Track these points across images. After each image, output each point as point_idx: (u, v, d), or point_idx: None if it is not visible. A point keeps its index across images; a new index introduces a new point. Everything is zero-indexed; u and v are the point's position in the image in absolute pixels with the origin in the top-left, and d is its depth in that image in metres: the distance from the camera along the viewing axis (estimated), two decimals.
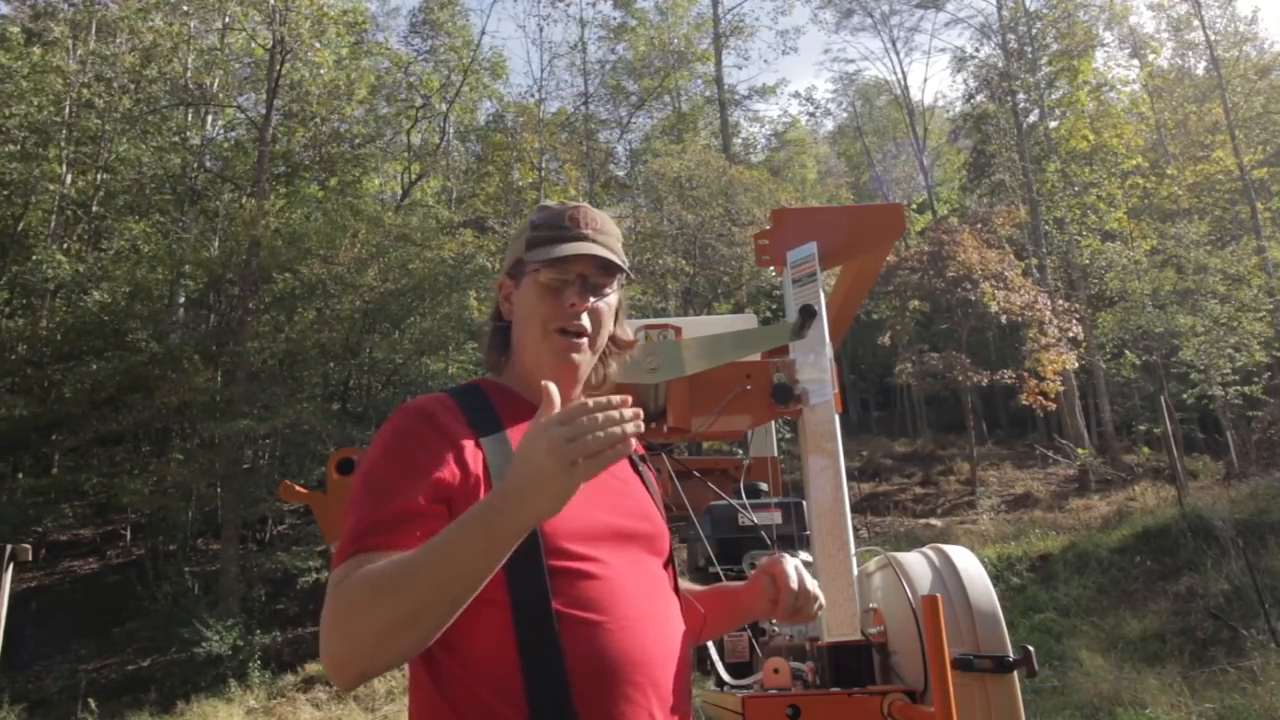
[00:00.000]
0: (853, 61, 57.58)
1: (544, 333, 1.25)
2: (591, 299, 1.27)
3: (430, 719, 1.09)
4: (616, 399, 0.96)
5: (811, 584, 1.33)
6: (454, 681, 1.07)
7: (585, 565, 1.11)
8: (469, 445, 1.14)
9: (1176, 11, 27.30)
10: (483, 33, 27.57)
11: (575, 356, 1.26)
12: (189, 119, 22.35)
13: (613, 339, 1.35)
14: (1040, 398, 17.01)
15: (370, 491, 1.09)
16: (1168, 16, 27.53)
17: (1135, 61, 26.75)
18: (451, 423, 1.16)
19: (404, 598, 0.95)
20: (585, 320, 1.26)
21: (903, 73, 47.85)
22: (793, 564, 1.32)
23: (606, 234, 1.30)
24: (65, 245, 19.37)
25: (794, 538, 2.18)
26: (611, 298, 1.31)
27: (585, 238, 1.27)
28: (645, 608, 1.15)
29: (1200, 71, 27.82)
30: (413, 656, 1.02)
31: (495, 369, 1.35)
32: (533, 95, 26.03)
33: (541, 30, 35.67)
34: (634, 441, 1.44)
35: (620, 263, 1.29)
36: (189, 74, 21.03)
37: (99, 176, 20.38)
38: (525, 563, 1.07)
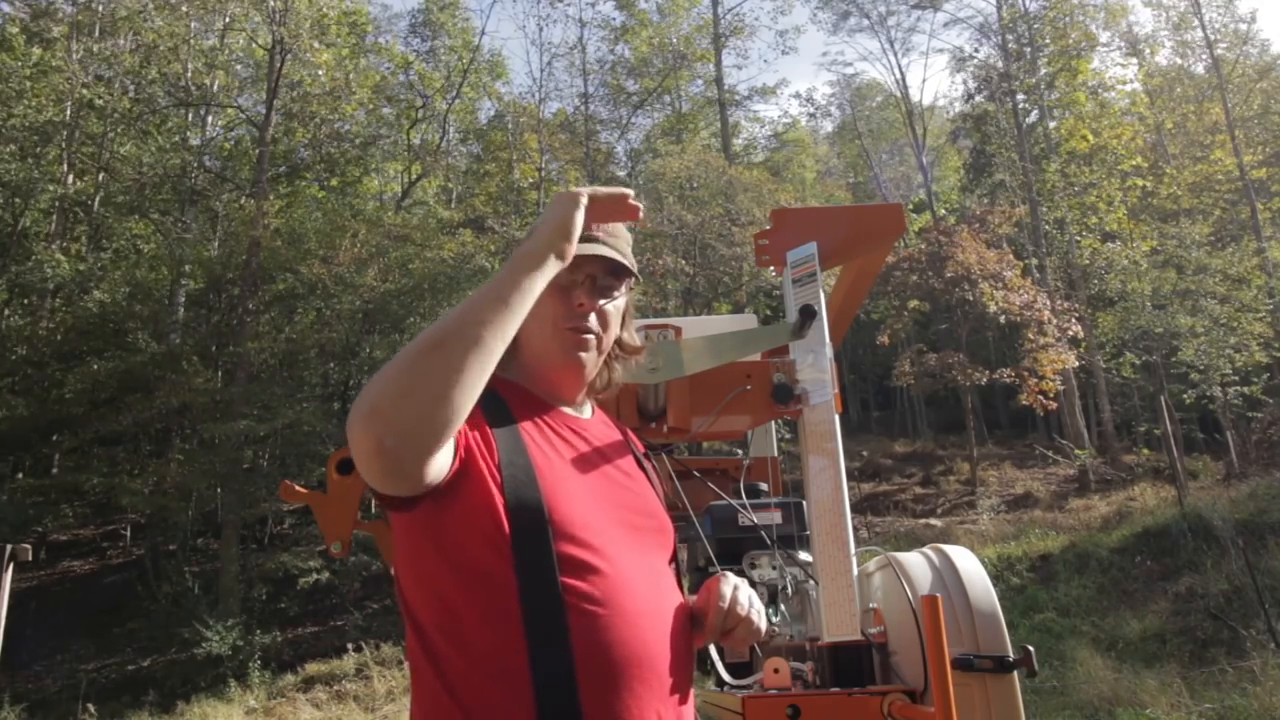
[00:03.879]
0: (850, 64, 57.61)
1: (553, 331, 1.26)
2: (600, 300, 1.28)
3: (435, 714, 1.09)
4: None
5: (748, 608, 1.24)
6: (459, 675, 1.07)
7: (592, 557, 1.11)
8: (483, 430, 1.15)
9: (1176, 10, 27.29)
10: (482, 33, 27.55)
11: (582, 355, 1.27)
12: (189, 119, 22.35)
13: (619, 343, 1.36)
14: (1040, 398, 17.01)
15: None
16: (1167, 15, 27.52)
17: (1134, 60, 26.75)
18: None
19: (435, 328, 1.02)
20: (593, 321, 1.27)
21: (901, 73, 47.88)
22: (732, 584, 1.25)
23: (616, 237, 1.32)
24: (65, 245, 19.37)
25: (794, 538, 2.18)
26: (619, 301, 1.32)
27: (595, 239, 1.28)
28: (650, 602, 1.15)
29: (1200, 70, 27.80)
30: (436, 416, 0.99)
31: (502, 365, 1.36)
32: (533, 95, 26.07)
33: (541, 31, 35.78)
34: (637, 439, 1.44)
35: (629, 266, 1.30)
36: (189, 74, 21.03)
37: (99, 176, 20.39)
38: (534, 547, 1.08)
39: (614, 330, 1.32)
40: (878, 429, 27.57)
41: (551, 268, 1.12)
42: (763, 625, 1.25)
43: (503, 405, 1.22)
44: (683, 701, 1.16)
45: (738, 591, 1.24)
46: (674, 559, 1.32)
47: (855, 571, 1.90)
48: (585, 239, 1.27)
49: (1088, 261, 21.09)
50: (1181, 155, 24.77)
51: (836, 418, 2.05)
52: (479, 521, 1.09)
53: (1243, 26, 27.19)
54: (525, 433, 1.19)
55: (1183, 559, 11.07)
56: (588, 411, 1.35)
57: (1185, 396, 17.95)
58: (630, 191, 1.22)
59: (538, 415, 1.24)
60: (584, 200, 1.16)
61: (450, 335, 1.01)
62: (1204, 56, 26.74)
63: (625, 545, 1.17)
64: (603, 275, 1.29)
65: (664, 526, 1.29)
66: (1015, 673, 1.75)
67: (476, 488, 1.10)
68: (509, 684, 1.04)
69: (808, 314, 2.02)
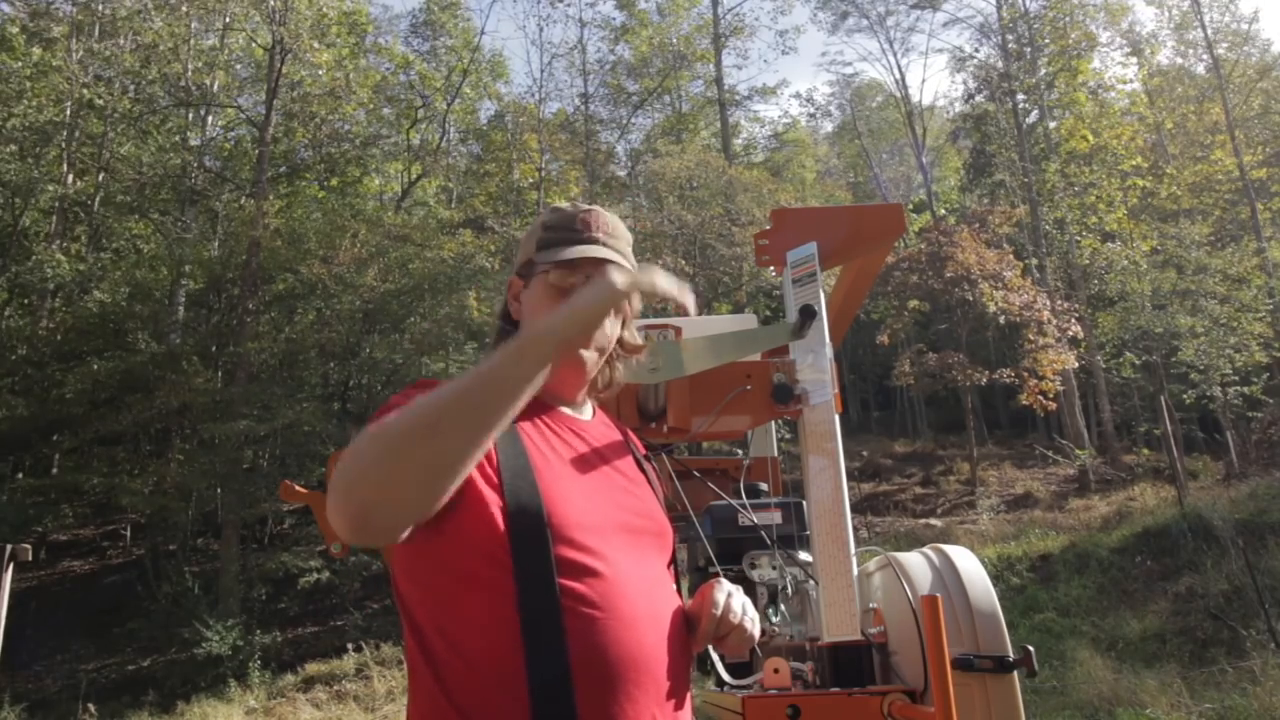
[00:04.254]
0: (849, 64, 57.58)
1: None
2: None
3: (432, 716, 1.08)
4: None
5: (742, 615, 1.22)
6: (456, 677, 1.07)
7: (590, 560, 1.11)
8: None
9: (1179, 10, 27.28)
10: (482, 32, 27.53)
11: (583, 354, 1.26)
12: (189, 119, 22.35)
13: (620, 342, 1.35)
14: (1040, 398, 17.02)
15: (393, 405, 1.09)
16: (1169, 14, 27.52)
17: (1134, 60, 26.74)
18: None
19: (431, 409, 0.96)
20: None
21: (901, 73, 47.87)
22: (725, 591, 1.23)
23: (617, 238, 1.31)
24: (65, 245, 19.37)
25: (794, 538, 2.18)
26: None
27: (596, 241, 1.28)
28: (648, 606, 1.15)
29: (1201, 70, 27.79)
30: (422, 500, 0.98)
31: None
32: (533, 95, 26.07)
33: (541, 31, 35.79)
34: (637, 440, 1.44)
35: (630, 268, 1.29)
36: (189, 74, 21.03)
37: (99, 176, 20.39)
38: (532, 548, 1.07)
39: (614, 331, 1.32)
40: (878, 429, 27.57)
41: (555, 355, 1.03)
42: (756, 632, 1.24)
43: None
44: (680, 705, 1.16)
45: (731, 599, 1.22)
46: (673, 561, 1.31)
47: (855, 571, 1.90)
48: (586, 240, 1.27)
49: (1088, 261, 21.09)
50: (1181, 155, 24.78)
51: (836, 418, 2.05)
52: (477, 529, 1.09)
53: (1244, 27, 27.22)
54: (524, 433, 1.18)
55: (1183, 559, 11.07)
56: (588, 412, 1.35)
57: (1185, 396, 17.95)
58: (690, 298, 1.10)
59: (537, 416, 1.24)
60: (629, 296, 1.04)
61: (445, 417, 0.96)
62: (1204, 56, 26.75)
63: (623, 548, 1.16)
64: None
65: (663, 529, 1.29)
66: (1015, 673, 1.75)
67: (474, 499, 1.09)
68: (505, 687, 1.04)
69: (808, 314, 2.02)
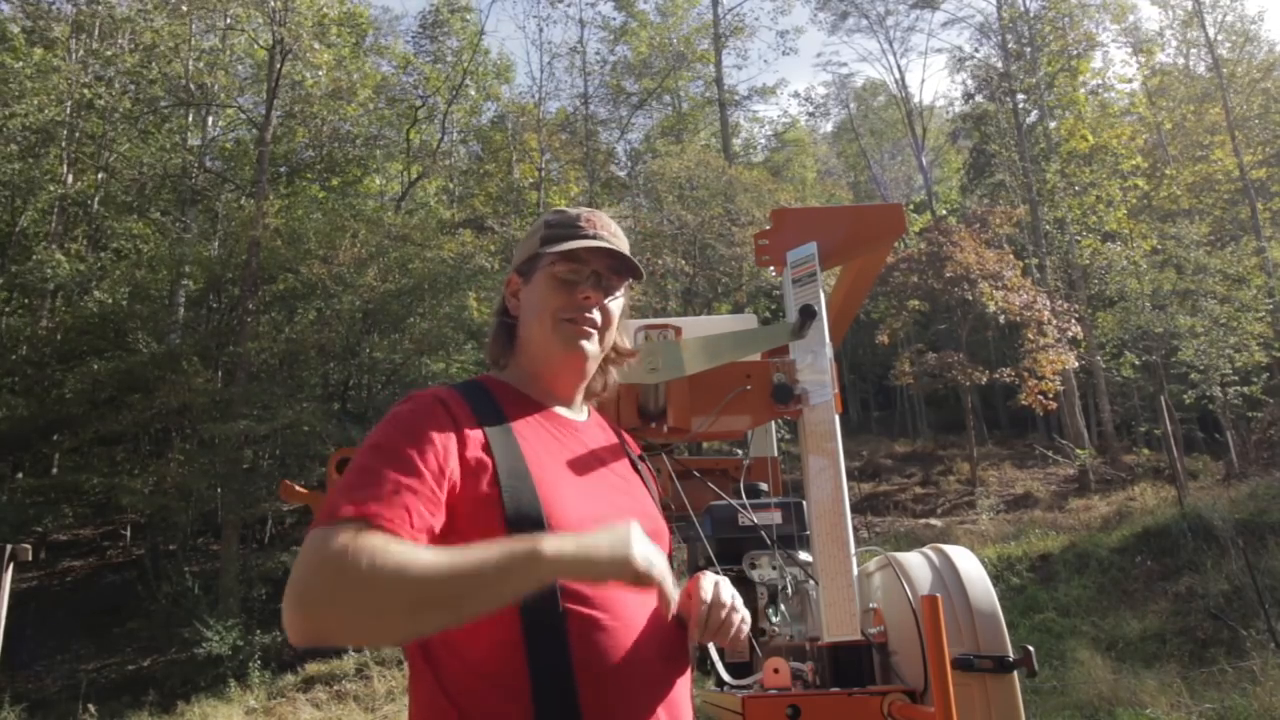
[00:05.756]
0: (845, 64, 57.59)
1: (554, 323, 1.26)
2: (604, 297, 1.29)
3: (432, 716, 1.09)
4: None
5: (731, 598, 1.22)
6: (456, 679, 1.07)
7: None
8: (477, 438, 1.14)
9: (1183, 9, 27.26)
10: (482, 33, 27.49)
11: (585, 344, 1.27)
12: (189, 119, 22.35)
13: (614, 348, 1.37)
14: (1040, 398, 17.02)
15: (375, 460, 1.07)
16: (1173, 12, 27.50)
17: (1136, 59, 26.75)
18: (462, 414, 1.17)
19: (415, 585, 0.94)
20: (596, 314, 1.28)
21: (900, 74, 47.87)
22: (712, 581, 1.23)
23: (618, 238, 1.33)
24: (65, 245, 19.37)
25: (794, 538, 2.18)
26: (620, 301, 1.33)
27: (600, 238, 1.29)
28: (647, 607, 1.15)
29: (1202, 70, 27.78)
30: (384, 643, 1.02)
31: (497, 365, 1.36)
32: (533, 95, 26.07)
33: (541, 31, 35.77)
34: (632, 440, 1.44)
35: (636, 264, 1.31)
36: (189, 74, 21.03)
37: (99, 176, 20.38)
38: None
39: (613, 329, 1.33)
40: (878, 429, 27.56)
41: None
42: (747, 619, 1.22)
43: (496, 406, 1.22)
44: (681, 705, 1.16)
45: (719, 587, 1.21)
46: (670, 562, 1.31)
47: (855, 571, 1.90)
48: (590, 237, 1.29)
49: (1088, 261, 21.08)
50: (1181, 156, 24.78)
51: (836, 418, 2.05)
52: (476, 532, 1.08)
53: (1250, 27, 27.21)
54: (520, 435, 1.18)
55: (1183, 559, 11.06)
56: (584, 413, 1.35)
57: (1185, 396, 17.94)
58: (673, 610, 1.11)
59: (532, 417, 1.24)
60: (636, 573, 1.03)
61: (426, 610, 0.96)
62: (1206, 56, 26.74)
63: None
64: (606, 273, 1.30)
65: (659, 530, 1.29)
66: (1015, 673, 1.75)
67: (472, 502, 1.09)
68: (507, 688, 1.04)
69: (808, 314, 2.02)
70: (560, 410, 1.30)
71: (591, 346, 1.28)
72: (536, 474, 1.14)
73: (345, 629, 0.97)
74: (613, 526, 1.05)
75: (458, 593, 0.96)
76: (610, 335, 1.32)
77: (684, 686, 1.20)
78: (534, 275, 1.30)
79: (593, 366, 1.32)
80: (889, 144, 36.88)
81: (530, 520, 1.09)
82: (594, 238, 1.28)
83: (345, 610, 0.94)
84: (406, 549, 0.97)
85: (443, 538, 1.07)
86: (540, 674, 1.04)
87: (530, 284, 1.31)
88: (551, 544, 0.99)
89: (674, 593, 1.08)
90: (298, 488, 2.67)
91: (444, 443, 1.10)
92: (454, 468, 1.10)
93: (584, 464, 1.24)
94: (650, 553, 1.04)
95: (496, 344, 1.36)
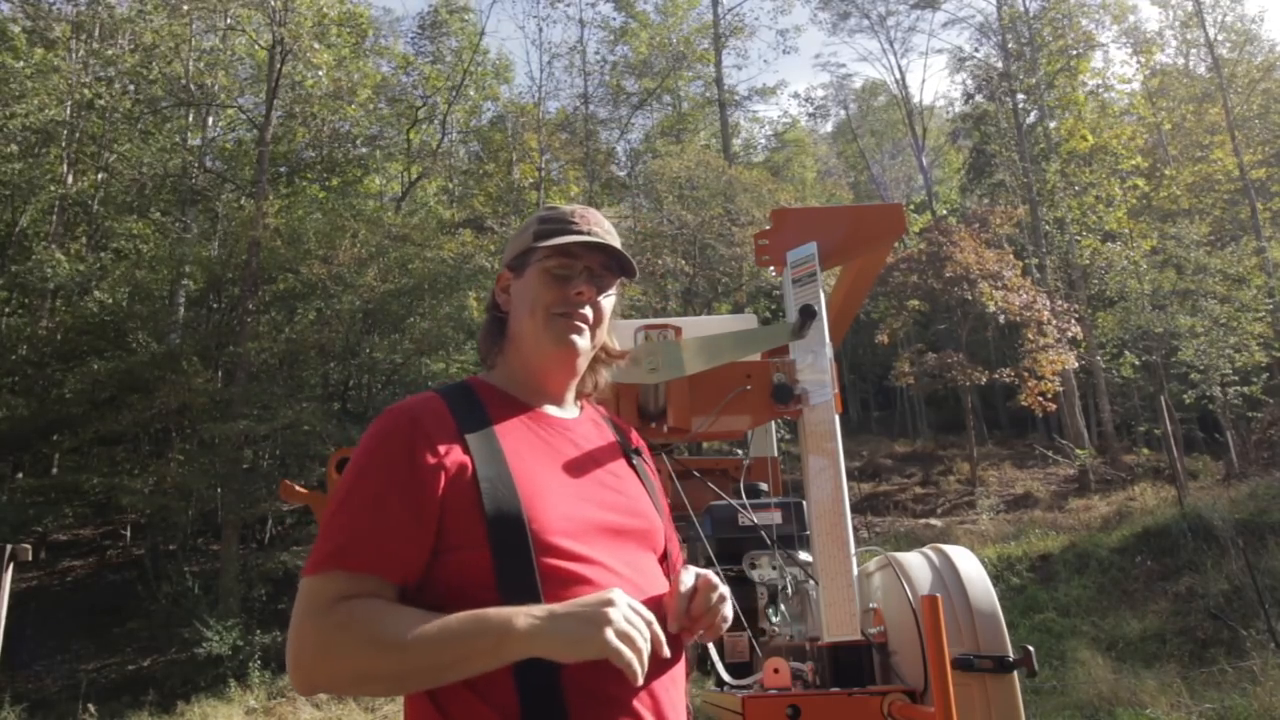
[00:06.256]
0: (844, 65, 57.58)
1: (546, 317, 1.26)
2: (597, 293, 1.29)
3: None
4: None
5: (716, 593, 1.18)
6: (447, 690, 1.06)
7: (576, 565, 1.10)
8: (455, 448, 1.13)
9: (1183, 9, 27.26)
10: (482, 33, 27.49)
11: (576, 338, 1.26)
12: (189, 119, 22.35)
13: (604, 347, 1.36)
14: (1040, 398, 17.02)
15: (353, 500, 1.11)
16: (1173, 12, 27.50)
17: (1135, 60, 26.75)
18: (437, 426, 1.15)
19: (398, 659, 1.01)
20: (588, 310, 1.27)
21: (901, 74, 47.87)
22: (692, 574, 1.19)
23: (611, 235, 1.33)
24: (65, 245, 19.37)
25: (794, 538, 2.18)
26: (612, 298, 1.32)
27: (593, 234, 1.29)
28: None
29: (1202, 70, 27.79)
30: (378, 695, 1.11)
31: (486, 361, 1.36)
32: (533, 95, 26.07)
33: (541, 31, 35.78)
34: (634, 435, 1.43)
35: (628, 260, 1.31)
36: (189, 74, 21.03)
37: (99, 176, 20.38)
38: (515, 563, 1.07)
39: (605, 326, 1.32)
40: (878, 429, 27.56)
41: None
42: (728, 611, 1.19)
43: (481, 410, 1.21)
44: (675, 707, 1.15)
45: (699, 579, 1.17)
46: (664, 557, 1.30)
47: (855, 571, 1.90)
48: (582, 231, 1.29)
49: (1088, 261, 21.09)
50: (1181, 156, 24.78)
51: (836, 418, 2.05)
52: (461, 555, 1.09)
53: (1250, 27, 27.22)
54: (503, 437, 1.17)
55: (1183, 559, 11.07)
56: (574, 410, 1.34)
57: (1185, 396, 17.94)
58: (640, 681, 1.03)
59: (517, 419, 1.23)
60: (610, 650, 0.99)
61: (414, 677, 1.04)
62: (1206, 56, 26.75)
63: (609, 549, 1.15)
64: (599, 269, 1.30)
65: (652, 526, 1.27)
66: (1015, 673, 1.75)
67: (455, 520, 1.09)
68: (493, 697, 1.04)
69: (808, 314, 2.02)
70: (550, 409, 1.29)
71: (583, 342, 1.27)
72: (518, 474, 1.13)
73: (338, 690, 1.09)
74: (597, 594, 1.04)
75: (438, 664, 1.02)
76: (601, 332, 1.32)
77: (679, 685, 1.18)
78: (526, 270, 1.29)
79: (584, 363, 1.31)
80: (889, 144, 36.87)
81: (510, 520, 1.08)
82: (587, 234, 1.28)
83: (335, 679, 1.06)
84: (389, 620, 1.03)
85: (432, 554, 1.09)
86: (527, 683, 1.04)
87: (522, 279, 1.30)
88: (523, 622, 1.01)
89: (643, 666, 1.01)
90: (298, 488, 2.68)
91: (417, 462, 1.10)
92: (427, 481, 1.10)
93: (572, 463, 1.22)
94: (627, 626, 1.00)
95: (487, 339, 1.36)
